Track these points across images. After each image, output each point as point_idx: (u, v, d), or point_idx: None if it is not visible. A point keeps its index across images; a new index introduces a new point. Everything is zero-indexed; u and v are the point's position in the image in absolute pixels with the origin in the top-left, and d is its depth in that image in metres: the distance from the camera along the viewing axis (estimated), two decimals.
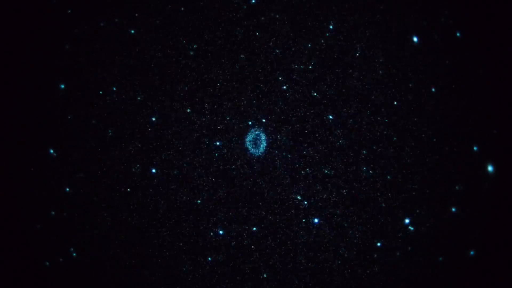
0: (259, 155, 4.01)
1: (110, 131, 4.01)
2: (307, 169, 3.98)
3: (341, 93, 3.91)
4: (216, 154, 4.01)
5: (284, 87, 3.95)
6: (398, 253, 3.91)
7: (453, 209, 3.83)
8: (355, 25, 3.86)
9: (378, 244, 3.93)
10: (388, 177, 3.90)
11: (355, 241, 3.96)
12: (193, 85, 3.99)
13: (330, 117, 3.93)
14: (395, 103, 3.85)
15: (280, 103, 3.97)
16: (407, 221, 3.89)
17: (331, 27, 3.88)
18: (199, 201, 4.03)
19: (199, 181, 4.03)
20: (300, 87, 3.94)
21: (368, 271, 3.95)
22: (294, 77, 3.94)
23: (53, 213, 4.05)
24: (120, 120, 4.00)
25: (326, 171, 3.96)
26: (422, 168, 3.85)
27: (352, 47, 3.87)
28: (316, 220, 3.99)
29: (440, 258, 3.87)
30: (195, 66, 3.97)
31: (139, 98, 3.99)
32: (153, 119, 4.01)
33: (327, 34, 3.88)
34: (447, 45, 3.81)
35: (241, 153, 4.01)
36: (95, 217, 4.04)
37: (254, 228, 4.02)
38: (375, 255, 3.93)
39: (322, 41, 3.89)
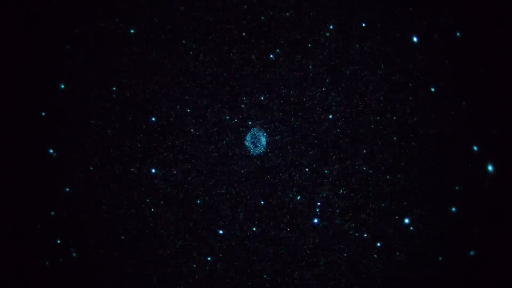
0: (259, 155, 4.01)
1: (109, 131, 4.01)
2: (307, 169, 3.98)
3: (341, 93, 3.91)
4: (216, 154, 4.01)
5: (284, 87, 3.95)
6: (398, 253, 3.91)
7: (453, 209, 3.83)
8: (355, 25, 3.86)
9: (378, 244, 3.93)
10: (388, 177, 3.90)
11: (355, 241, 3.96)
12: (193, 84, 3.99)
13: (330, 116, 3.94)
14: (395, 103, 3.85)
15: (280, 103, 3.96)
16: (407, 221, 3.89)
17: (331, 27, 3.88)
18: (198, 201, 4.03)
19: (198, 181, 4.03)
20: (300, 87, 3.94)
21: (368, 271, 3.94)
22: (294, 76, 3.94)
23: (53, 213, 4.05)
24: (120, 120, 4.00)
25: (326, 171, 3.96)
26: (422, 168, 3.85)
27: (352, 47, 3.87)
28: (316, 221, 3.99)
29: (440, 258, 3.87)
30: (195, 65, 3.97)
31: (139, 98, 3.99)
32: (153, 119, 4.01)
33: (327, 34, 3.88)
34: (447, 45, 3.81)
35: (241, 153, 4.01)
36: (95, 217, 4.04)
37: (254, 228, 4.02)
38: (375, 255, 3.93)
39: (322, 40, 3.89)
